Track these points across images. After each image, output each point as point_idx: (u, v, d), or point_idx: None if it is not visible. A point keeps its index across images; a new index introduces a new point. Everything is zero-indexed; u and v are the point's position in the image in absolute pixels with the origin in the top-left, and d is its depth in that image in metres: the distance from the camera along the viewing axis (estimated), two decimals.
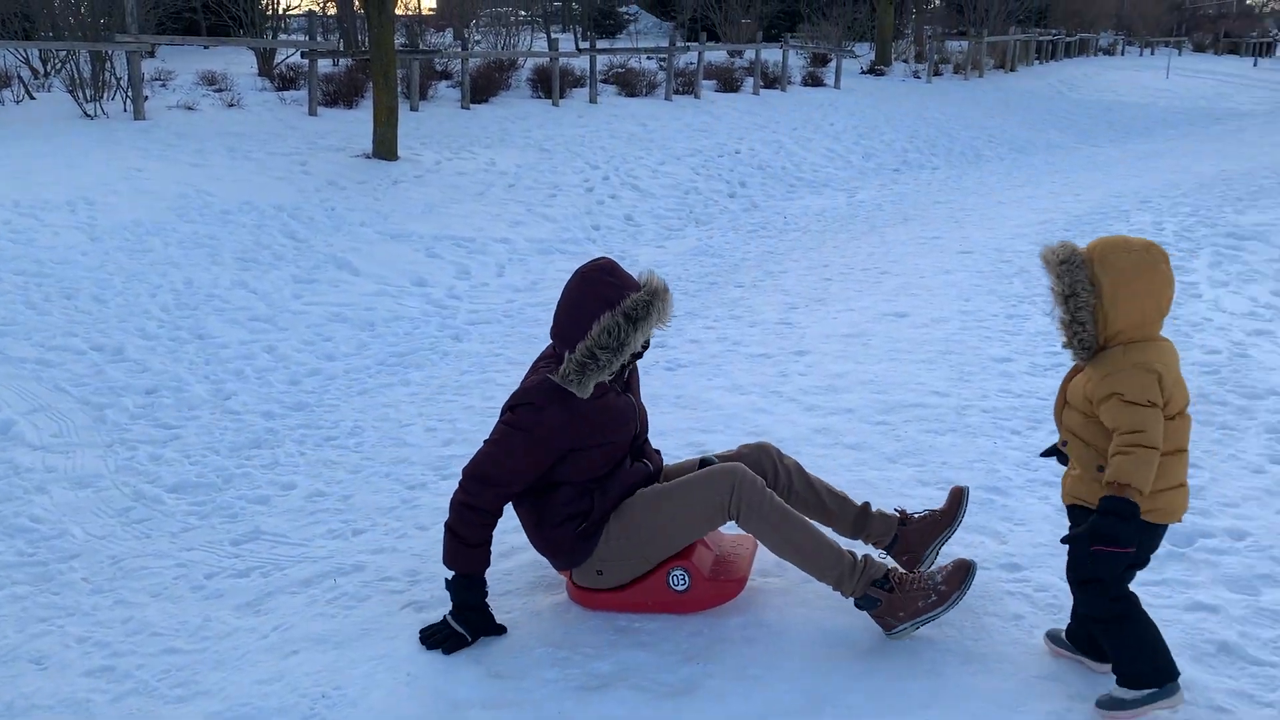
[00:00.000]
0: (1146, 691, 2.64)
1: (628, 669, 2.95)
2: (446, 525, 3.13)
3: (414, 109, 14.27)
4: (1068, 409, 2.78)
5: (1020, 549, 3.59)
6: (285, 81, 15.02)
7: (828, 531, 3.25)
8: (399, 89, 12.96)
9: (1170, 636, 3.09)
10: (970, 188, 13.91)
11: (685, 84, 18.47)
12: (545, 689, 2.89)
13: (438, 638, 3.13)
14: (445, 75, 16.81)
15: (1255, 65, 33.84)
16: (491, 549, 3.16)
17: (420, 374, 6.34)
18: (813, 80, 21.56)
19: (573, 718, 2.76)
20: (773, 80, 20.46)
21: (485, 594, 3.18)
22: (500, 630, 3.18)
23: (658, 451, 3.47)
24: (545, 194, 11.30)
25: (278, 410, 5.70)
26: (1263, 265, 8.10)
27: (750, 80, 19.75)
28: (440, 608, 3.41)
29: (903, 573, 3.01)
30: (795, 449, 4.36)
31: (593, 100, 16.56)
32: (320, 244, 8.72)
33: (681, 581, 3.19)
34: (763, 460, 3.35)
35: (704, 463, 3.39)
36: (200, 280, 7.57)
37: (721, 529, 3.34)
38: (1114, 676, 2.71)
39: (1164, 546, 3.66)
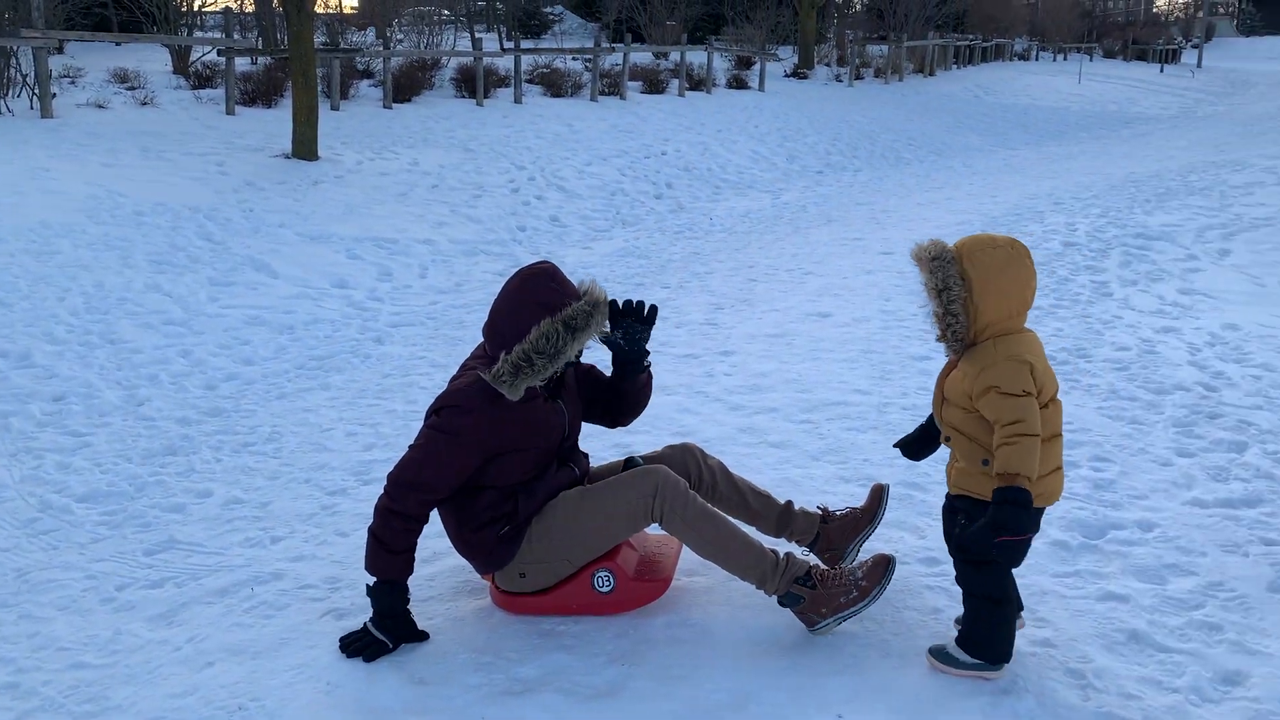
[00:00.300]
0: (978, 661, 2.84)
1: (551, 673, 2.94)
2: (370, 530, 3.08)
3: (335, 108, 14.05)
4: (947, 405, 2.88)
5: (938, 543, 3.64)
6: (201, 80, 14.67)
7: (751, 531, 3.28)
8: (319, 88, 12.74)
9: (1082, 626, 3.18)
10: (891, 190, 14.14)
11: (611, 85, 18.48)
12: (468, 695, 2.86)
13: (357, 645, 3.08)
14: (367, 74, 16.58)
15: (1161, 71, 34.97)
16: (415, 555, 3.11)
17: (341, 378, 6.24)
18: (737, 83, 21.73)
19: (484, 714, 2.74)
20: (698, 82, 20.56)
21: (407, 601, 3.13)
22: (422, 637, 3.14)
23: (586, 455, 3.46)
24: (470, 195, 11.20)
25: (193, 416, 5.56)
26: (1170, 265, 8.36)
27: (675, 82, 19.83)
28: (361, 615, 3.36)
29: (824, 569, 3.03)
30: (720, 448, 4.38)
31: (517, 100, 16.48)
32: (238, 246, 8.52)
33: (606, 583, 3.18)
34: (687, 461, 3.36)
35: (629, 464, 3.38)
36: (111, 283, 7.36)
37: (646, 529, 3.34)
38: (956, 632, 2.91)
39: (1076, 538, 3.78)
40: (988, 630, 2.82)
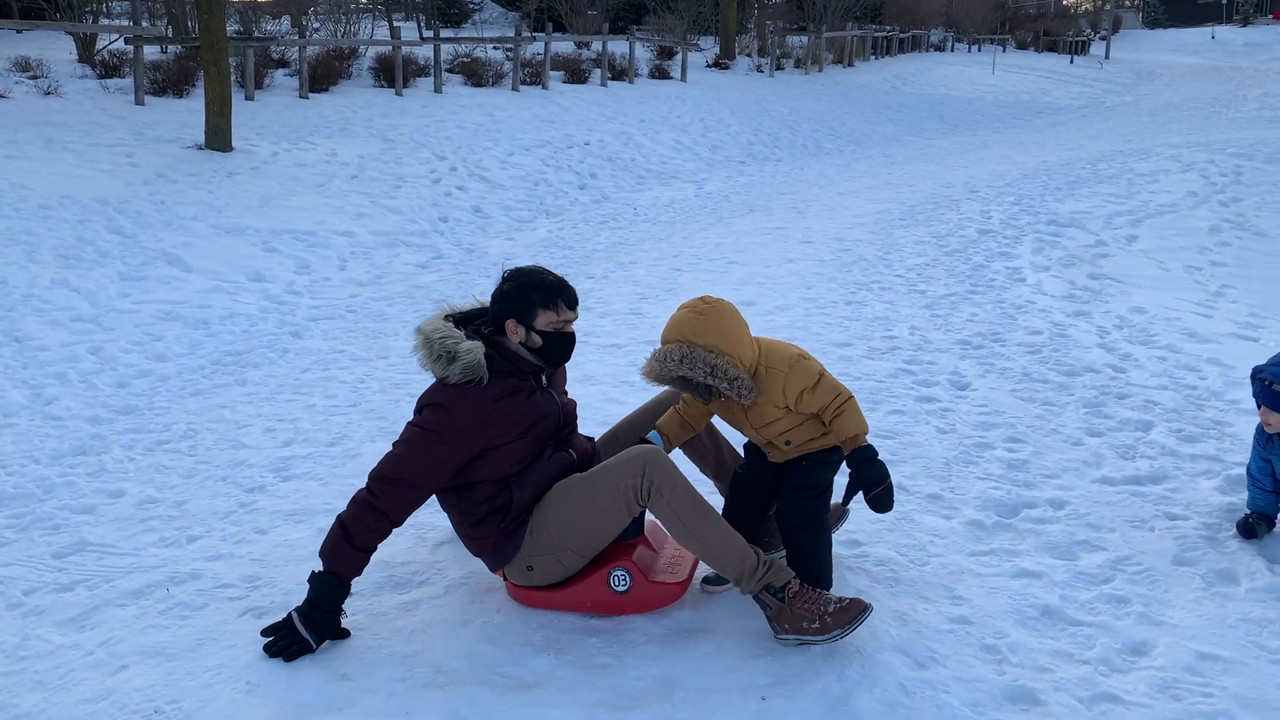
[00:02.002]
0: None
1: (476, 665, 2.92)
2: (339, 518, 3.04)
3: (249, 98, 13.73)
4: (766, 429, 3.14)
5: (859, 525, 3.71)
6: (108, 69, 14.19)
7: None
8: (233, 78, 12.44)
9: (998, 603, 3.27)
10: (812, 179, 14.30)
11: (533, 75, 18.35)
12: (391, 688, 2.83)
13: (281, 644, 3.03)
14: (282, 64, 16.22)
15: (1072, 62, 35.85)
16: (369, 560, 3.07)
17: (258, 373, 6.12)
18: (660, 73, 21.74)
19: (416, 716, 2.71)
20: (620, 72, 20.53)
21: (343, 599, 3.08)
22: (344, 634, 3.10)
23: (591, 439, 3.41)
24: (390, 185, 11.05)
25: (104, 415, 5.40)
26: (1080, 250, 8.60)
27: (598, 72, 19.78)
28: (280, 613, 3.31)
29: (798, 587, 2.95)
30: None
31: (438, 90, 16.28)
32: (149, 239, 8.29)
33: (623, 582, 3.12)
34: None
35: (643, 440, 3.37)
36: (15, 279, 7.10)
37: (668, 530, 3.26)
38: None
39: (991, 518, 3.88)
40: (820, 557, 3.11)
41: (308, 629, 3.03)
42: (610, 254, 9.53)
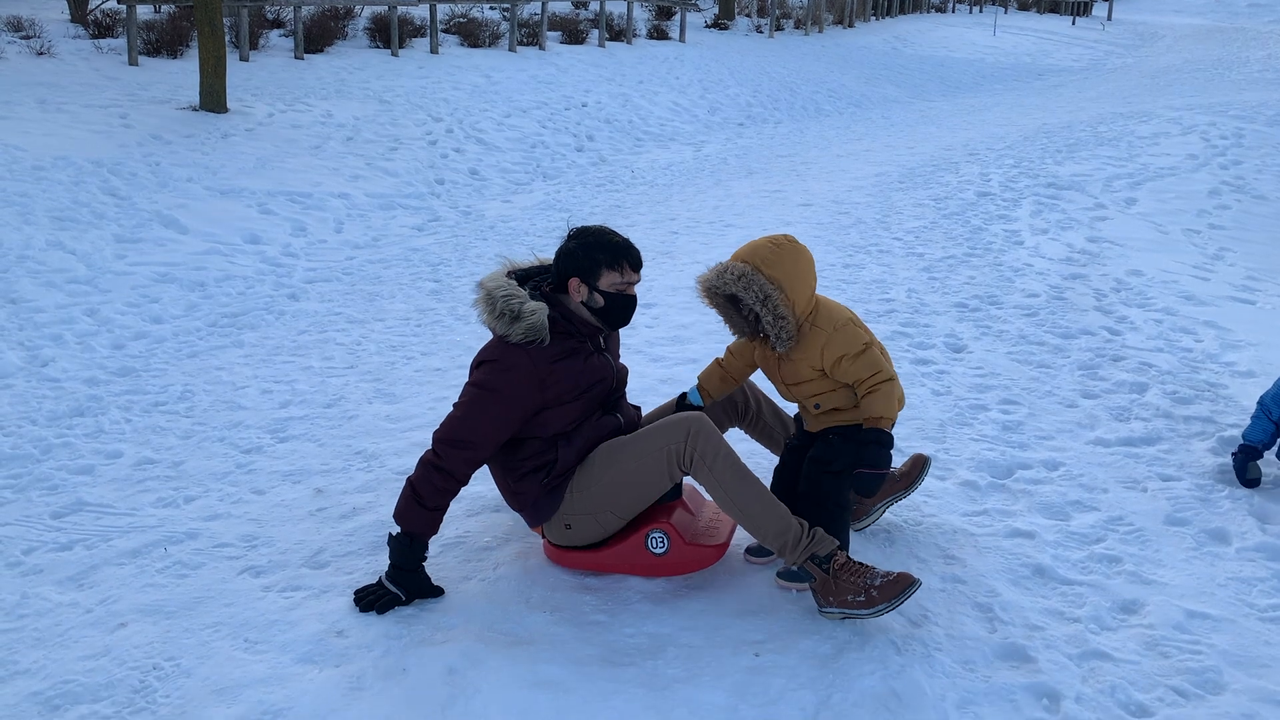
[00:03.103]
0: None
1: (472, 622, 2.95)
2: (409, 480, 3.03)
3: (244, 59, 13.62)
4: (798, 387, 3.14)
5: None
6: (101, 29, 14.07)
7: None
8: (227, 37, 12.33)
9: (990, 563, 3.29)
10: (811, 141, 14.22)
11: (529, 35, 18.20)
12: (387, 645, 2.86)
13: (371, 599, 3.04)
14: (277, 24, 16.07)
15: (1074, 24, 35.54)
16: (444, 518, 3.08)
17: (255, 335, 6.11)
18: (658, 34, 21.56)
19: (412, 671, 2.74)
20: (618, 33, 20.35)
21: (424, 558, 3.08)
22: (437, 592, 3.09)
23: (637, 408, 3.40)
24: (386, 147, 10.99)
25: (101, 376, 5.41)
26: (1079, 214, 8.56)
27: (595, 32, 19.61)
28: (279, 571, 3.34)
29: (844, 559, 2.90)
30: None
31: (434, 51, 16.14)
32: (144, 201, 8.25)
33: (661, 544, 3.11)
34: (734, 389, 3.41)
35: (681, 402, 3.37)
36: (10, 241, 7.08)
37: (706, 494, 3.26)
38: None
39: (985, 479, 3.90)
40: (837, 532, 3.05)
41: (398, 588, 3.04)
42: (607, 217, 9.49)
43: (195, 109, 10.82)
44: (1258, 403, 3.92)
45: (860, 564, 2.90)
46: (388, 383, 5.19)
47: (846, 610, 2.83)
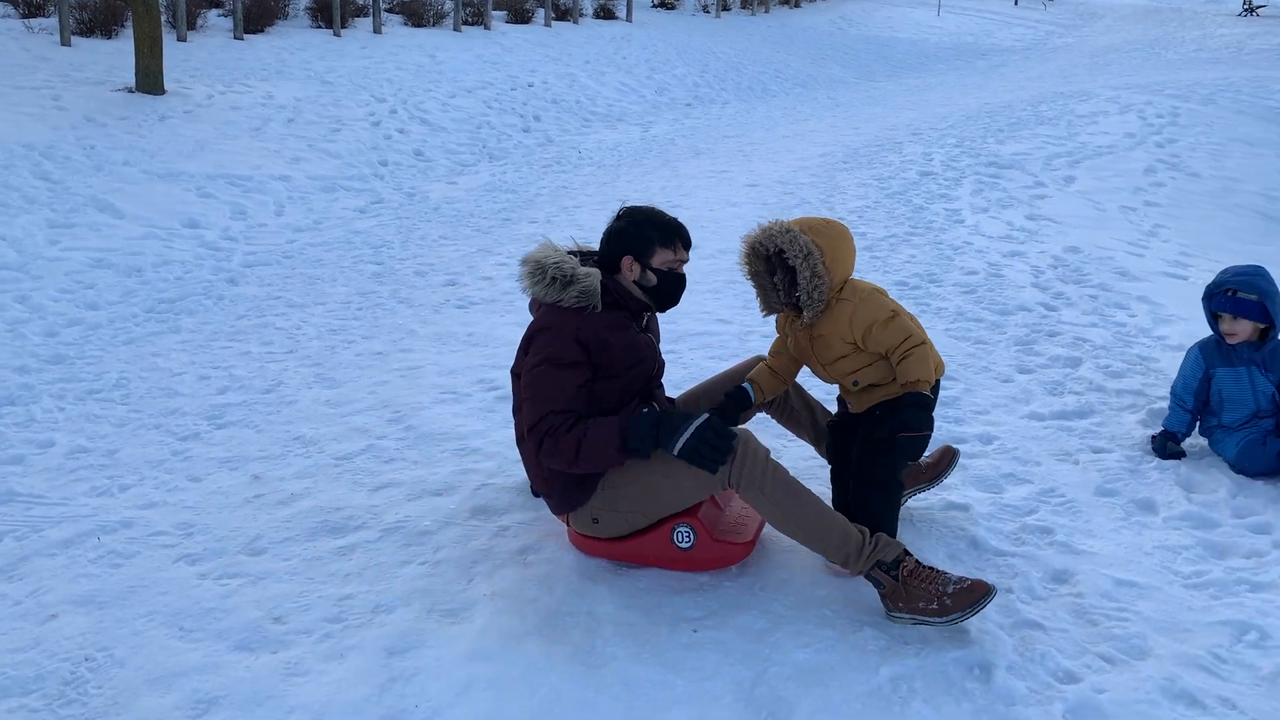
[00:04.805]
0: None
1: (412, 604, 2.95)
2: (574, 465, 2.88)
3: (181, 39, 13.33)
4: (832, 366, 3.19)
5: (790, 464, 3.76)
6: (32, 8, 13.68)
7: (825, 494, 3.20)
8: (163, 17, 12.06)
9: (925, 536, 3.35)
10: (758, 122, 14.25)
11: (474, 14, 18.01)
12: (325, 629, 2.85)
13: (705, 451, 2.81)
14: (215, 3, 15.74)
15: (1016, 4, 35.91)
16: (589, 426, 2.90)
17: (193, 320, 6.01)
18: (605, 13, 21.44)
19: (351, 655, 2.74)
20: (564, 12, 20.22)
21: (655, 416, 2.87)
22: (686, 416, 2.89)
23: (672, 400, 3.36)
24: (328, 129, 10.83)
25: (33, 364, 5.29)
26: (1019, 192, 8.68)
27: (541, 11, 19.46)
28: (215, 559, 3.31)
29: (914, 563, 2.83)
30: None
31: (377, 30, 15.92)
32: (78, 185, 8.07)
33: (687, 539, 3.05)
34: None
35: (731, 397, 3.28)
36: None
37: None
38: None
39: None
40: (885, 511, 3.08)
41: (694, 439, 2.83)
42: (554, 198, 9.45)
43: (131, 90, 10.58)
44: (1170, 393, 4.02)
45: (930, 569, 2.82)
46: (328, 367, 5.14)
47: (918, 617, 2.77)
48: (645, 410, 2.97)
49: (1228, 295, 3.85)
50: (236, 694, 2.63)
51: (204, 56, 12.76)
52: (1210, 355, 3.93)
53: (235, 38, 14.08)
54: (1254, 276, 3.85)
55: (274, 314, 6.09)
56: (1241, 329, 3.85)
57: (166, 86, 10.84)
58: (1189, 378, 3.95)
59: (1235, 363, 3.86)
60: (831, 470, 3.32)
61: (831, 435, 3.34)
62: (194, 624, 2.94)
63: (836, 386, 3.36)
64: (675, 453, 2.84)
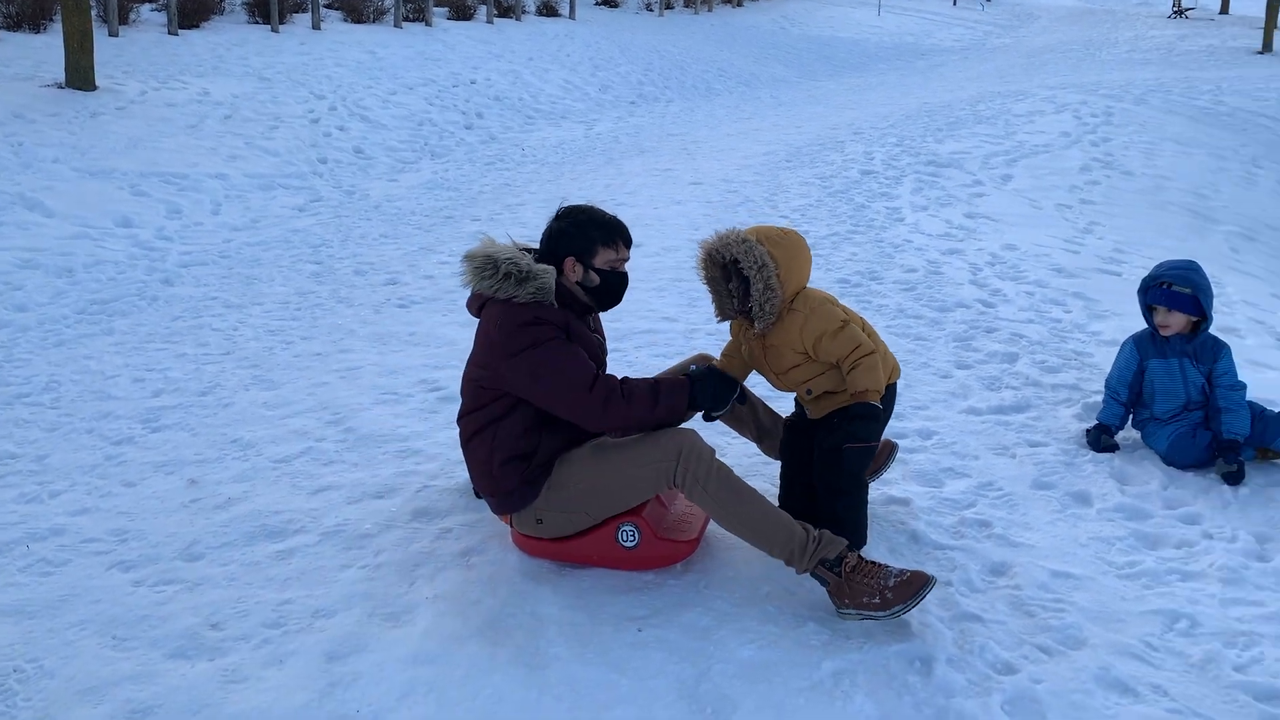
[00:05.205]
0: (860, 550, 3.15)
1: (352, 607, 2.91)
2: (653, 412, 2.95)
3: (114, 34, 13.03)
4: (787, 375, 3.19)
5: (734, 460, 3.78)
6: None
7: (771, 495, 3.22)
8: (94, 11, 11.78)
9: (870, 531, 3.37)
10: (702, 120, 14.29)
11: (415, 11, 17.83)
12: (264, 635, 2.81)
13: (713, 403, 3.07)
14: None
15: (955, 4, 36.43)
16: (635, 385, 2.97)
17: (126, 321, 5.88)
18: (548, 10, 21.36)
19: (290, 661, 2.70)
20: (507, 9, 20.11)
21: (714, 378, 3.07)
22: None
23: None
24: (266, 126, 10.66)
25: None
26: (957, 190, 8.81)
27: (484, 8, 19.33)
28: (150, 565, 3.24)
29: (856, 559, 2.84)
30: None
31: (316, 26, 15.69)
32: (5, 183, 7.85)
33: (631, 538, 3.04)
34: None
35: (692, 376, 3.24)
36: None
37: None
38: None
39: None
40: (854, 516, 3.11)
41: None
42: (497, 196, 9.40)
43: (61, 86, 10.32)
44: (1105, 385, 4.11)
45: (873, 564, 2.84)
46: (265, 369, 5.06)
47: (864, 612, 2.79)
48: (706, 369, 3.10)
49: (1163, 288, 3.94)
50: (172, 703, 2.58)
51: (137, 52, 12.49)
52: (1145, 348, 4.02)
53: (169, 33, 13.80)
54: (1188, 270, 3.94)
55: (210, 315, 5.98)
56: (1175, 321, 3.94)
57: (98, 82, 10.59)
58: (1124, 370, 4.04)
59: (1168, 355, 3.96)
60: (782, 469, 3.34)
61: (787, 434, 3.36)
62: (128, 632, 2.87)
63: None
64: (714, 416, 3.12)
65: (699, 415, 3.19)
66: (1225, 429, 3.78)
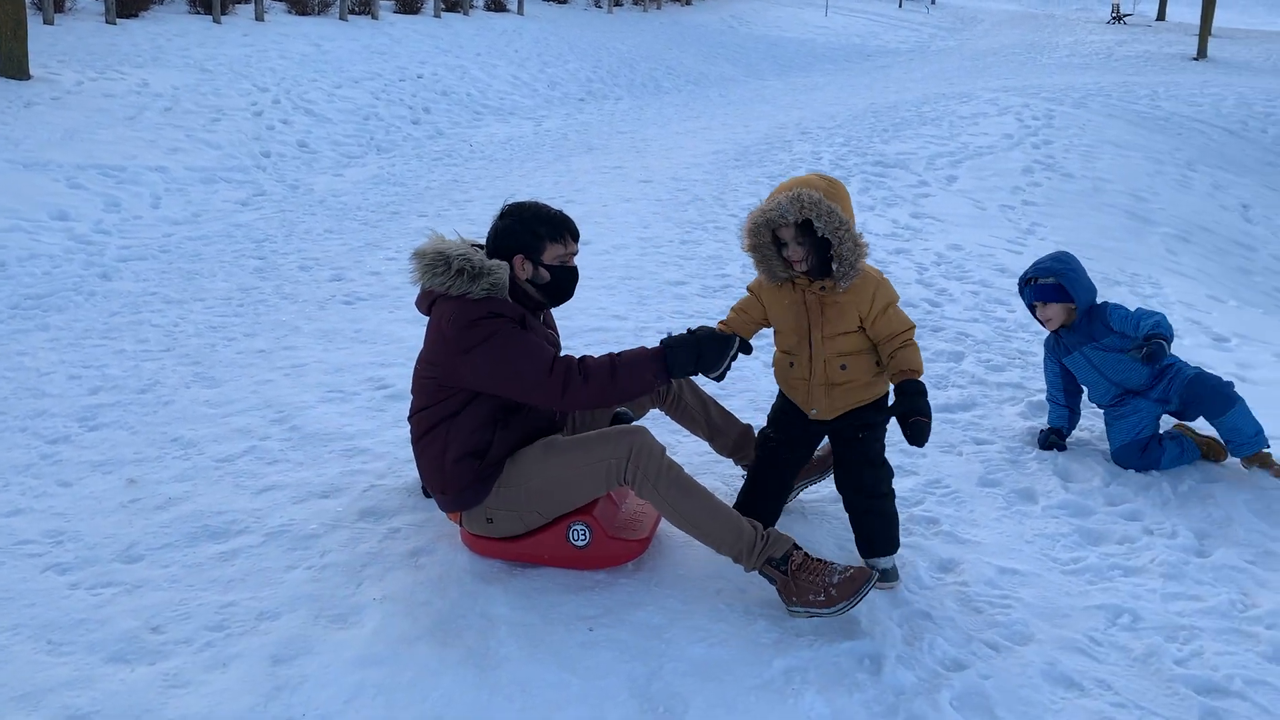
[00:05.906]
0: (896, 555, 3.13)
1: (298, 609, 2.86)
2: (611, 386, 2.88)
3: (48, 22, 12.71)
4: (836, 340, 3.01)
5: (685, 459, 3.78)
6: None
7: (718, 489, 3.24)
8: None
9: (816, 529, 3.39)
10: (651, 118, 14.29)
11: (361, 3, 17.63)
12: (207, 638, 2.74)
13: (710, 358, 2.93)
14: None
15: (900, 6, 36.87)
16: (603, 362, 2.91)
17: (62, 317, 5.73)
18: (495, 5, 21.24)
19: (234, 664, 2.64)
20: (454, 3, 19.95)
21: (694, 339, 2.93)
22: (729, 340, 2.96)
23: None
24: (207, 118, 10.46)
25: None
26: (904, 190, 8.90)
27: (431, 2, 19.16)
28: (87, 568, 3.16)
29: (802, 557, 2.85)
30: None
31: (259, 18, 15.44)
32: None
33: (582, 537, 3.01)
34: None
35: (617, 419, 3.25)
36: None
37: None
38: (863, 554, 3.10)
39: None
40: (895, 521, 3.10)
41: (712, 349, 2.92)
42: (444, 192, 9.31)
43: None
44: (1046, 396, 4.17)
45: (819, 561, 2.85)
46: (207, 366, 4.96)
47: (811, 610, 2.80)
48: (687, 332, 2.97)
49: (1031, 286, 4.00)
50: (110, 708, 2.51)
51: (73, 41, 12.20)
52: (1053, 351, 4.09)
53: (107, 22, 13.50)
54: (1050, 261, 3.99)
55: (150, 310, 5.84)
56: (1054, 313, 3.97)
57: (32, 71, 10.33)
58: (1051, 375, 4.12)
59: (1071, 350, 4.00)
60: (758, 470, 3.23)
61: (773, 446, 3.22)
62: (64, 636, 2.79)
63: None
64: (714, 376, 2.94)
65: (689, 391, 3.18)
66: (1151, 330, 3.77)
